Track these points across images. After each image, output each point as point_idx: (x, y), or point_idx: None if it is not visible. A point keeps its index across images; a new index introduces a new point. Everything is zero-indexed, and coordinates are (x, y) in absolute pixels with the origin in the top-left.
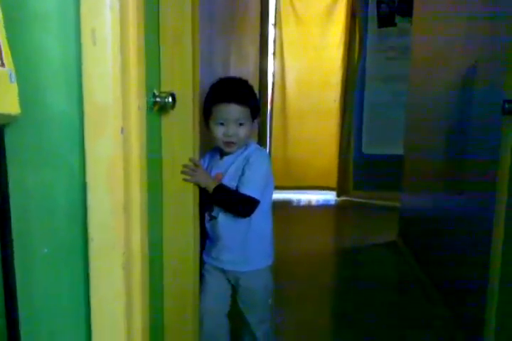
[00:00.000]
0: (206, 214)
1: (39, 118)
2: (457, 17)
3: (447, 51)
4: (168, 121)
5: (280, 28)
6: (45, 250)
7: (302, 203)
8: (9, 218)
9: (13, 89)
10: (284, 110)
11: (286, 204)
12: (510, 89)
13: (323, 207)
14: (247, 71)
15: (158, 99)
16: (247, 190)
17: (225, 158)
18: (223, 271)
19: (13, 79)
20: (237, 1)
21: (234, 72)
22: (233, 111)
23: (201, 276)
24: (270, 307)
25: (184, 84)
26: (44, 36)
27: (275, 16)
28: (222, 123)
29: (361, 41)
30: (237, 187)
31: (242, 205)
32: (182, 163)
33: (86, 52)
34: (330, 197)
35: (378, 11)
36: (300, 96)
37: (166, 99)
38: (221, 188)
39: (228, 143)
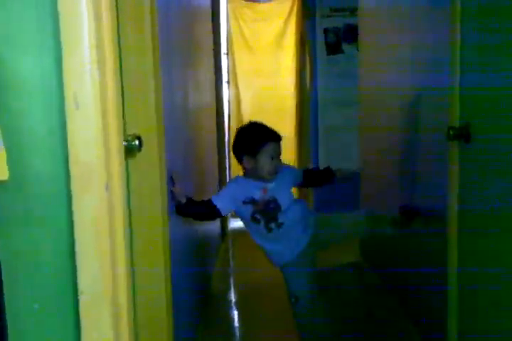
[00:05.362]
0: (265, 228)
1: (25, 180)
2: (401, 45)
3: (394, 76)
4: (135, 163)
5: (233, 57)
6: (36, 306)
7: None
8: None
9: (1, 156)
10: None
11: (247, 231)
12: (453, 116)
13: None
14: (205, 101)
15: (124, 143)
16: None
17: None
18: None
19: (0, 145)
20: (192, 33)
21: (193, 103)
22: (279, 147)
23: None
24: None
25: (149, 126)
26: (28, 102)
27: (227, 46)
28: (272, 158)
29: (312, 68)
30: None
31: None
32: (150, 204)
33: (70, 115)
34: None
35: (326, 39)
36: None
37: (133, 142)
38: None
39: (275, 172)
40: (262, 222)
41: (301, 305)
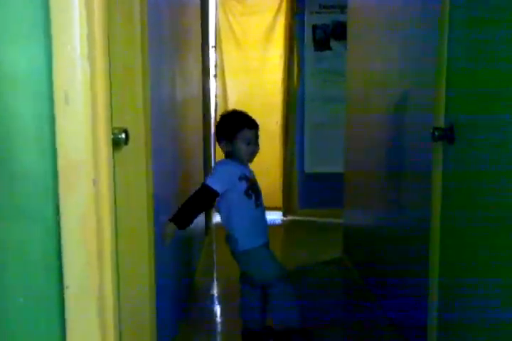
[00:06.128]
0: (254, 204)
1: (13, 175)
2: (389, 43)
3: (382, 75)
4: (121, 156)
5: (221, 51)
6: (21, 300)
7: None
8: None
9: None
10: None
11: None
12: (438, 117)
13: (269, 227)
14: (192, 94)
15: (111, 136)
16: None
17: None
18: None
19: None
20: (181, 26)
21: (180, 96)
22: (255, 133)
23: None
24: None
25: (136, 119)
26: (17, 98)
27: (215, 39)
28: (248, 143)
29: (299, 64)
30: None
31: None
32: (136, 197)
33: (59, 111)
34: (276, 216)
35: (314, 36)
36: None
37: (120, 135)
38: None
39: (252, 157)
40: (253, 198)
41: (274, 286)
